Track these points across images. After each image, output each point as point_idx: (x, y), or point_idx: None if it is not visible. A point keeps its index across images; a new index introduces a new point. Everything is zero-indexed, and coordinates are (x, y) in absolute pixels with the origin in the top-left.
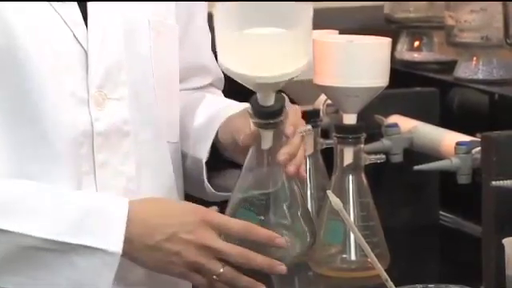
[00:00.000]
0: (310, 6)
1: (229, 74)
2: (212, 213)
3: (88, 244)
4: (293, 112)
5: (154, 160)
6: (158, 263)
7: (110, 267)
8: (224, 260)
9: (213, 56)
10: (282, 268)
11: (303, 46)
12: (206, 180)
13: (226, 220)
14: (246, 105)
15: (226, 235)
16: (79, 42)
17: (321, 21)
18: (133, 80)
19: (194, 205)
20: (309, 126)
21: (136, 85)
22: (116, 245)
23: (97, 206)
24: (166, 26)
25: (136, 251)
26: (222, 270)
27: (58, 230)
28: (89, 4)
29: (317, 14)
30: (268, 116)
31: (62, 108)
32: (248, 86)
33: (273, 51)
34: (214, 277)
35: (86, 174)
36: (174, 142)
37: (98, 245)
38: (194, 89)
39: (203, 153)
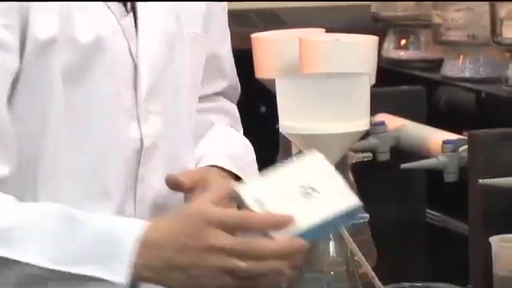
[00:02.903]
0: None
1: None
2: (211, 209)
3: (92, 274)
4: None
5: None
6: (185, 281)
7: None
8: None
9: (230, 58)
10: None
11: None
12: None
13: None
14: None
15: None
16: (131, 55)
17: (307, 20)
18: (167, 93)
19: (195, 207)
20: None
21: (169, 98)
22: (122, 275)
23: (106, 233)
24: (198, 36)
25: (153, 276)
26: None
27: (62, 260)
28: (139, 16)
29: (303, 12)
30: None
31: (119, 124)
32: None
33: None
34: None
35: (128, 189)
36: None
37: (103, 276)
38: (206, 96)
39: None
